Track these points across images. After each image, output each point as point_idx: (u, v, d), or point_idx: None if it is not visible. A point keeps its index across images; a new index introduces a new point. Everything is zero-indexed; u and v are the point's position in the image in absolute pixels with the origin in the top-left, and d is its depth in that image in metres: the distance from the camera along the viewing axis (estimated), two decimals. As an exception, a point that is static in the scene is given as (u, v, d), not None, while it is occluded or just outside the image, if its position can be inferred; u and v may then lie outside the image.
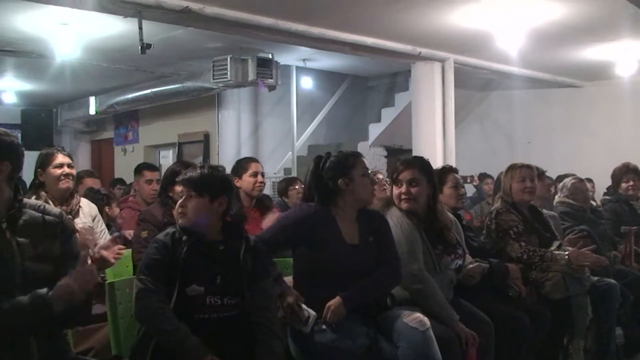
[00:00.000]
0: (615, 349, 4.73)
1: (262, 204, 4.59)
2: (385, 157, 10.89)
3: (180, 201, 2.86)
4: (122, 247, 3.12)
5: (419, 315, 3.11)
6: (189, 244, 2.75)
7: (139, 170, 5.25)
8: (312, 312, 3.02)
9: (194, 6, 5.82)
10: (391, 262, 3.31)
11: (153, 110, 11.60)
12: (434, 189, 3.70)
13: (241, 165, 4.55)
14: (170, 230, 2.83)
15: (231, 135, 10.68)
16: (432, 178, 3.71)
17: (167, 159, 12.19)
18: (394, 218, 3.54)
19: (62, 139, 13.34)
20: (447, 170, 4.35)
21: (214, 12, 6.00)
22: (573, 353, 4.44)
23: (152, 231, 3.70)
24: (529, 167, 4.66)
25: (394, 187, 3.72)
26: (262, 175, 4.57)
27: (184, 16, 5.94)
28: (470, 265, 3.77)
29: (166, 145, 12.25)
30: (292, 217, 3.30)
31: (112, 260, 2.99)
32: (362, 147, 11.15)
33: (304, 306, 3.05)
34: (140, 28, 5.96)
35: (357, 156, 3.30)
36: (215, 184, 2.84)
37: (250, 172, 4.48)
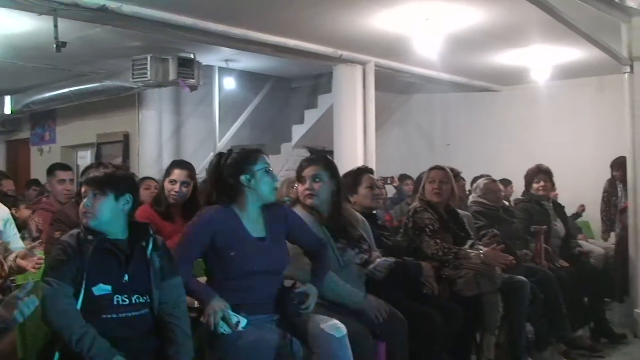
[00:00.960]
0: (526, 344, 4.90)
1: (192, 206, 4.34)
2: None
3: (84, 201, 2.81)
4: (42, 257, 3.05)
5: (335, 322, 3.14)
6: (95, 244, 2.71)
7: (51, 170, 5.12)
8: (242, 317, 2.99)
9: (111, 4, 5.72)
10: (323, 243, 3.44)
11: (71, 109, 11.28)
12: (338, 186, 3.76)
13: (168, 169, 4.50)
14: (74, 231, 2.79)
15: (152, 136, 10.53)
16: (335, 175, 3.77)
17: (85, 159, 11.87)
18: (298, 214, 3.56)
19: (-25, 139, 12.89)
20: (363, 170, 4.42)
21: (132, 11, 5.91)
22: (485, 348, 4.57)
23: (65, 232, 3.61)
24: (441, 169, 4.80)
25: (299, 185, 3.77)
26: (185, 184, 4.42)
27: (100, 14, 5.82)
28: (378, 260, 3.81)
29: (84, 146, 11.93)
30: (197, 226, 3.18)
31: (33, 270, 2.93)
32: (285, 149, 11.21)
33: (231, 312, 3.01)
34: (56, 26, 5.82)
35: (258, 152, 3.26)
36: (119, 183, 2.82)
37: (170, 178, 4.42)
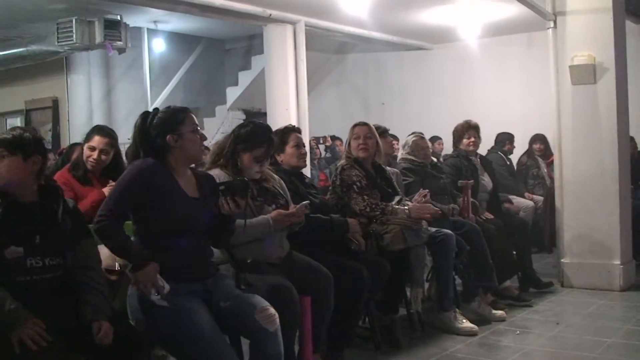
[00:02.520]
0: (454, 295, 5.02)
1: (114, 171, 4.27)
2: (244, 120, 10.87)
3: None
4: None
5: (270, 312, 3.05)
6: (4, 206, 2.68)
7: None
8: (167, 285, 2.92)
9: (28, -37, 5.52)
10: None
11: (-2, 76, 10.96)
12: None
13: (88, 135, 4.38)
14: None
15: (82, 101, 10.30)
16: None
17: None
18: (214, 174, 3.52)
19: None
20: (290, 130, 4.40)
21: (50, -30, 5.72)
22: (413, 301, 4.67)
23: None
24: (365, 124, 4.85)
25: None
26: (104, 152, 4.29)
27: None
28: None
29: (13, 113, 11.60)
30: (129, 176, 3.04)
31: None
32: (220, 111, 11.12)
33: (159, 277, 2.93)
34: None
35: (185, 111, 3.19)
36: (27, 144, 2.79)
37: (89, 144, 4.31)
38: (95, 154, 4.28)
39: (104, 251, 3.06)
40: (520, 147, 8.73)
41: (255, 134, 3.77)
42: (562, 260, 6.33)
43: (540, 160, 8.61)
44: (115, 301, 3.07)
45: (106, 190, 4.13)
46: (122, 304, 3.06)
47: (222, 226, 3.19)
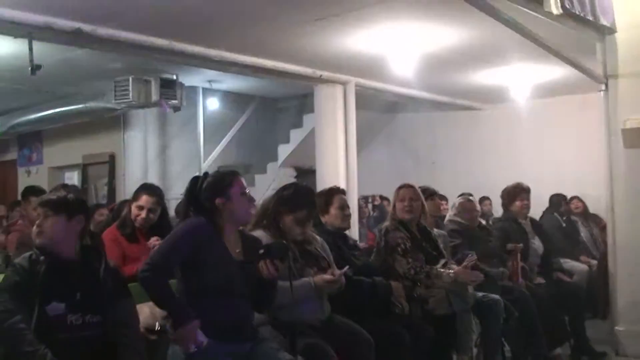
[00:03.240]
0: (503, 362, 4.89)
1: (159, 229, 4.32)
2: (295, 177, 10.93)
3: (37, 221, 2.87)
4: None
5: None
6: (47, 263, 2.75)
7: (24, 195, 5.11)
8: (205, 338, 2.95)
9: (86, 27, 5.70)
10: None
11: (57, 131, 11.30)
12: None
13: (135, 193, 4.45)
14: (27, 253, 2.83)
15: (137, 157, 10.52)
16: None
17: (72, 180, 11.85)
18: (257, 235, 3.54)
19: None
20: (334, 191, 4.43)
21: (107, 34, 5.90)
22: (459, 368, 4.57)
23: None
24: (410, 186, 4.84)
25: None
26: (152, 211, 4.36)
27: (76, 37, 5.82)
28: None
29: (71, 167, 11.95)
30: (181, 232, 3.11)
31: None
32: (271, 168, 11.23)
33: (199, 331, 2.96)
34: (31, 49, 5.81)
35: (234, 175, 3.26)
36: (71, 204, 2.90)
37: (138, 203, 4.36)
38: (143, 213, 4.34)
39: (144, 310, 3.09)
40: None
41: (298, 197, 3.80)
42: (616, 327, 6.10)
43: (580, 222, 8.38)
44: (154, 361, 3.07)
45: (150, 244, 4.16)
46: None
47: (264, 290, 3.20)
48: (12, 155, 12.99)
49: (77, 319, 2.74)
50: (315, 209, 3.94)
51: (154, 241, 4.16)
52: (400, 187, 4.81)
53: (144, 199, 4.37)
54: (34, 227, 2.89)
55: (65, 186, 4.39)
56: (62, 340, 2.68)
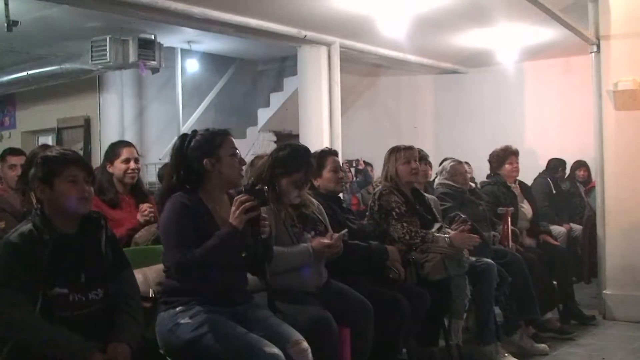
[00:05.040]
0: (495, 327, 4.80)
1: (138, 191, 4.30)
2: (275, 142, 10.80)
3: (84, 187, 2.63)
4: None
5: (303, 346, 2.91)
6: (52, 245, 2.52)
7: (2, 156, 4.90)
8: None
9: (64, -19, 5.49)
10: None
11: (31, 94, 11.01)
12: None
13: (113, 151, 4.23)
14: (23, 228, 2.55)
15: (114, 120, 10.29)
16: None
17: (46, 145, 11.61)
18: None
19: None
20: (327, 153, 4.27)
21: (86, -12, 5.68)
22: (452, 333, 4.49)
23: (10, 221, 3.43)
24: (411, 148, 4.70)
25: None
26: (137, 161, 4.25)
27: (53, -9, 5.59)
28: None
29: (45, 131, 11.66)
30: (174, 212, 2.92)
31: None
32: (251, 132, 11.07)
33: None
34: (6, 4, 5.56)
35: (224, 134, 3.08)
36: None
37: (122, 157, 4.17)
38: (132, 164, 4.19)
39: (137, 277, 2.95)
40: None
41: (294, 158, 3.63)
42: (604, 291, 6.11)
43: (581, 187, 8.39)
44: (149, 329, 2.94)
45: (140, 215, 4.01)
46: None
47: (259, 252, 3.06)
48: (-17, 119, 12.66)
49: (79, 298, 2.56)
50: (312, 170, 3.78)
51: (147, 207, 4.02)
52: (400, 149, 4.64)
53: (125, 151, 4.20)
54: (78, 192, 2.60)
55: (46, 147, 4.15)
56: (62, 318, 2.51)
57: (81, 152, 10.77)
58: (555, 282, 5.79)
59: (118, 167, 4.18)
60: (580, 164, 8.59)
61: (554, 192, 7.90)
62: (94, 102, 10.53)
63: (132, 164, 4.20)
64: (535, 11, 5.68)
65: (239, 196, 2.88)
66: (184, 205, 2.92)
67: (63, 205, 2.58)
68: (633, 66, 5.94)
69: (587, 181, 8.46)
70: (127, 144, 4.33)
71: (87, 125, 10.72)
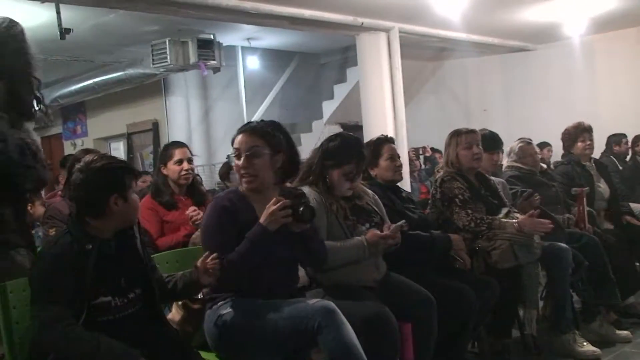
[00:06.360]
0: (572, 315, 4.52)
1: (196, 192, 4.27)
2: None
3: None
4: None
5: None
6: (96, 255, 2.46)
7: (63, 163, 4.95)
8: None
9: (114, -14, 5.50)
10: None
11: (100, 101, 11.27)
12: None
13: (166, 153, 4.21)
14: (63, 239, 2.49)
15: (181, 122, 10.42)
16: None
17: (118, 150, 11.85)
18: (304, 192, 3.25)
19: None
20: (382, 141, 4.09)
21: (136, -9, 5.68)
22: (527, 324, 4.25)
23: (60, 228, 3.41)
24: (473, 131, 4.47)
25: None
26: (190, 161, 4.21)
27: (103, -2, 5.61)
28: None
29: (116, 137, 11.92)
30: (215, 215, 2.89)
31: None
32: (316, 126, 11.00)
33: None
34: (58, 12, 5.62)
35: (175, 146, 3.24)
36: None
37: (174, 159, 4.14)
38: (185, 165, 4.16)
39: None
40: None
41: (344, 149, 3.48)
42: (694, 271, 5.70)
43: None
44: (198, 334, 2.86)
45: (187, 214, 3.97)
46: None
47: (302, 246, 2.95)
48: (57, 129, 12.99)
49: (122, 301, 2.52)
50: (364, 161, 3.62)
51: (192, 212, 3.96)
52: (461, 133, 4.40)
53: (177, 152, 4.17)
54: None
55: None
56: (105, 322, 2.46)
57: (151, 156, 10.94)
58: (637, 264, 5.46)
59: (172, 168, 4.16)
60: (639, 138, 8.13)
61: (620, 168, 7.48)
62: (160, 105, 10.68)
63: (185, 165, 4.17)
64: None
65: (279, 198, 2.79)
66: (224, 208, 2.86)
67: (133, 217, 2.58)
68: None
69: None
70: (179, 145, 4.31)
71: (155, 129, 10.87)
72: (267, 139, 2.94)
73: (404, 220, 3.48)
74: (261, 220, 2.75)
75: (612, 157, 7.52)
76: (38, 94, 2.63)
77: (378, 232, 3.31)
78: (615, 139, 7.94)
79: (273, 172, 2.96)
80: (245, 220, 2.83)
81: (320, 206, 3.30)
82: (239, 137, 2.98)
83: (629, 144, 8.05)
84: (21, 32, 2.62)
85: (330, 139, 3.59)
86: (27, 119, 2.60)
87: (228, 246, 2.77)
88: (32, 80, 2.61)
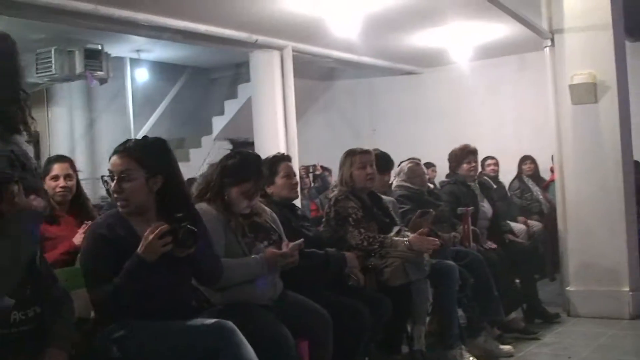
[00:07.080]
0: (458, 331, 4.69)
1: (82, 208, 4.05)
2: (231, 150, 10.60)
3: None
4: None
5: None
6: None
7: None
8: None
9: (1, -8, 5.25)
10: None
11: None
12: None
13: (45, 167, 4.00)
14: None
15: (63, 135, 9.96)
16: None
17: (-6, 162, 11.23)
18: (200, 209, 3.20)
19: None
20: (279, 159, 4.11)
21: (26, -1, 5.43)
22: (415, 339, 4.36)
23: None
24: (367, 152, 4.58)
25: None
26: (68, 177, 3.99)
27: (-11, 3, 5.33)
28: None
29: (-7, 148, 11.28)
30: (90, 242, 2.82)
31: None
32: (206, 141, 10.86)
33: None
34: None
35: None
36: None
37: (51, 174, 3.95)
38: (61, 182, 3.95)
39: (81, 297, 2.77)
40: (513, 171, 8.59)
41: (243, 167, 3.46)
42: (567, 288, 6.05)
43: (530, 182, 8.35)
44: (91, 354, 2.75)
45: (79, 236, 3.74)
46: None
47: (191, 268, 2.92)
48: None
49: (21, 316, 2.38)
50: (263, 179, 3.61)
51: (85, 228, 3.76)
52: (355, 153, 4.50)
53: (56, 167, 3.98)
54: None
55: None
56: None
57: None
58: (518, 281, 5.73)
59: (48, 184, 3.92)
60: (525, 158, 8.58)
61: (494, 187, 7.80)
62: (42, 116, 10.17)
63: (60, 182, 3.96)
64: (487, 7, 5.59)
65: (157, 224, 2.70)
66: (101, 236, 2.78)
67: None
68: (588, 59, 5.88)
69: (534, 175, 8.47)
70: (60, 160, 4.09)
71: (36, 141, 10.38)
72: (142, 161, 2.81)
73: (302, 240, 3.50)
74: (139, 249, 2.66)
75: (485, 177, 7.83)
76: (25, 107, 2.46)
77: (276, 250, 3.31)
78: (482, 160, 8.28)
79: (152, 195, 2.86)
80: (125, 245, 2.73)
81: (218, 223, 3.26)
82: (113, 158, 2.86)
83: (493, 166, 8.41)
84: (13, 44, 2.46)
85: (229, 156, 3.57)
86: (15, 132, 2.43)
87: (104, 274, 2.70)
88: (21, 94, 2.45)
